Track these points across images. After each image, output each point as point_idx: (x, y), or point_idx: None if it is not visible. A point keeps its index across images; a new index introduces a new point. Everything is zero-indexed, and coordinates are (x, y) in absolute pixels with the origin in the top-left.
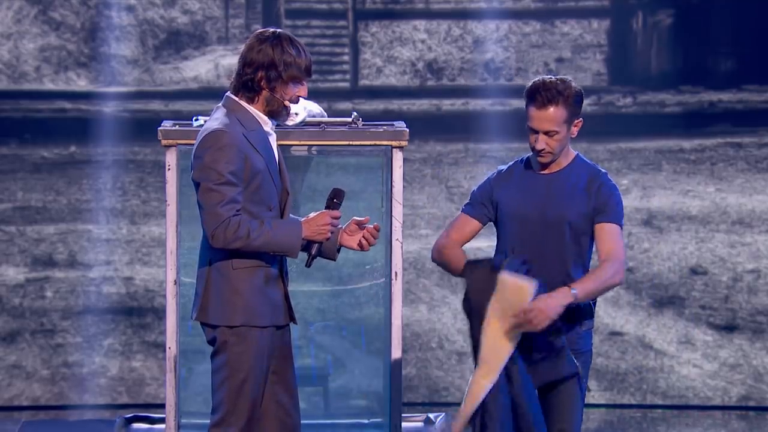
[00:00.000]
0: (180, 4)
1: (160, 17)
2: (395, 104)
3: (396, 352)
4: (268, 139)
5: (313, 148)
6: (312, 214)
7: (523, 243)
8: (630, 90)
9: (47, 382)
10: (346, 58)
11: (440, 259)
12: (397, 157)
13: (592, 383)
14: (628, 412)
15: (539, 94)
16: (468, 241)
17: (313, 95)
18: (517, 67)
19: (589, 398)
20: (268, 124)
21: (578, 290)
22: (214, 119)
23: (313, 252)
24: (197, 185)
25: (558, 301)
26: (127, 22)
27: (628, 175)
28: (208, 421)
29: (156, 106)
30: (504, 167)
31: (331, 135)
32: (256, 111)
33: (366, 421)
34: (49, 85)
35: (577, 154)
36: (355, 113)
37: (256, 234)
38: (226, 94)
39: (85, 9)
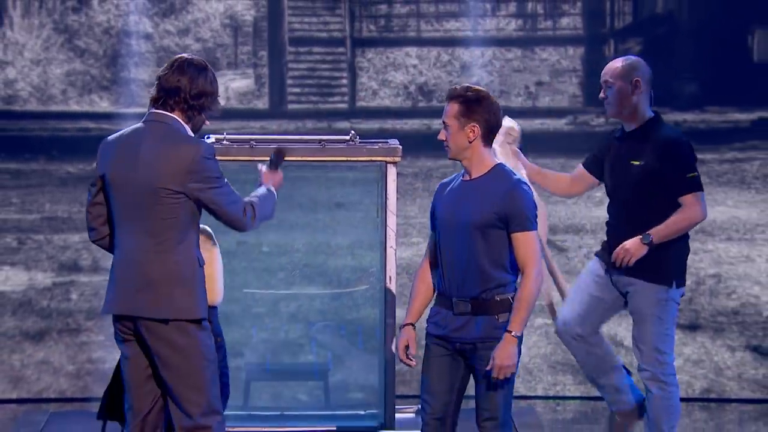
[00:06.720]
0: (193, 32)
1: (175, 45)
2: (389, 123)
3: (390, 350)
4: None
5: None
6: (268, 175)
7: (443, 247)
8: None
9: (73, 377)
10: (344, 81)
11: (413, 286)
12: (391, 172)
13: (567, 377)
14: (601, 404)
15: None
16: None
17: (314, 116)
18: (500, 89)
19: (564, 391)
20: None
21: (516, 330)
22: (176, 131)
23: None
24: (209, 188)
25: (512, 350)
26: (145, 49)
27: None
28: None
29: None
30: (446, 180)
31: (330, 151)
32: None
33: (363, 412)
34: (74, 107)
35: (498, 164)
36: (352, 131)
37: (259, 210)
38: (162, 111)
39: (107, 37)
